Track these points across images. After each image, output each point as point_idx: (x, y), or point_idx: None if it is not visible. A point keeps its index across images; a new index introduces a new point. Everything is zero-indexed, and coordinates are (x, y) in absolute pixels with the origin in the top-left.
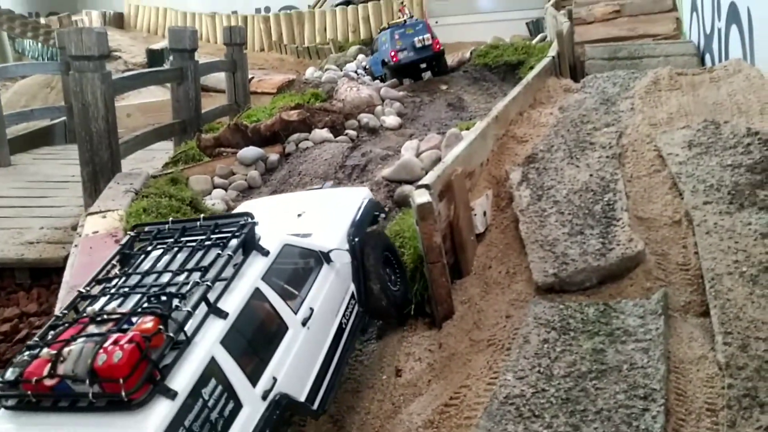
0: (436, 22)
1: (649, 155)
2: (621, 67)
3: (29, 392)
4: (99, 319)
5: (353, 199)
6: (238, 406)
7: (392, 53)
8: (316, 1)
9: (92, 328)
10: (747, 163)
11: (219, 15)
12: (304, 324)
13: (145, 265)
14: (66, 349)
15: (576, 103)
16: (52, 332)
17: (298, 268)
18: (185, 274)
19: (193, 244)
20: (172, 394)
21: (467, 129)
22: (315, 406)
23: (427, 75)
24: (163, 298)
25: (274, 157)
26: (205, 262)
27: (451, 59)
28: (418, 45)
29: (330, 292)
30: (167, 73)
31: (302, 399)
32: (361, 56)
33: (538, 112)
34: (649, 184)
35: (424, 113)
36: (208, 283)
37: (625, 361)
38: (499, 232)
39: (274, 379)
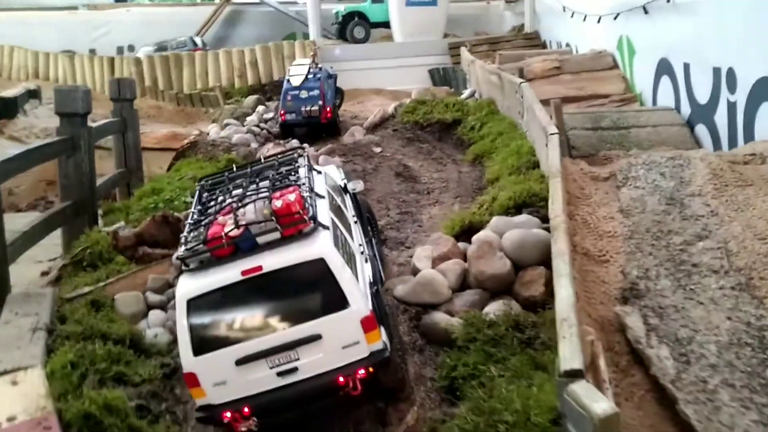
0: (331, 68)
1: None
2: (608, 138)
3: (214, 248)
4: (242, 202)
5: (336, 170)
6: (351, 252)
7: (281, 112)
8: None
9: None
10: None
11: (79, 55)
12: (355, 223)
13: (237, 189)
14: (240, 211)
15: (634, 203)
16: (199, 224)
17: (336, 190)
18: (284, 180)
19: (269, 172)
20: (326, 226)
21: (460, 224)
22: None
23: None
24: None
25: None
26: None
27: (372, 115)
28: (305, 114)
29: (354, 211)
30: (55, 145)
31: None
32: (261, 108)
33: (589, 215)
34: None
35: (372, 185)
36: (308, 177)
37: None
38: (632, 407)
39: (361, 246)
